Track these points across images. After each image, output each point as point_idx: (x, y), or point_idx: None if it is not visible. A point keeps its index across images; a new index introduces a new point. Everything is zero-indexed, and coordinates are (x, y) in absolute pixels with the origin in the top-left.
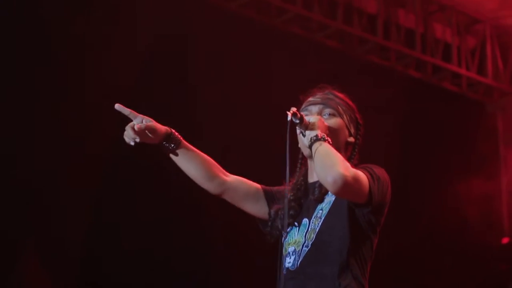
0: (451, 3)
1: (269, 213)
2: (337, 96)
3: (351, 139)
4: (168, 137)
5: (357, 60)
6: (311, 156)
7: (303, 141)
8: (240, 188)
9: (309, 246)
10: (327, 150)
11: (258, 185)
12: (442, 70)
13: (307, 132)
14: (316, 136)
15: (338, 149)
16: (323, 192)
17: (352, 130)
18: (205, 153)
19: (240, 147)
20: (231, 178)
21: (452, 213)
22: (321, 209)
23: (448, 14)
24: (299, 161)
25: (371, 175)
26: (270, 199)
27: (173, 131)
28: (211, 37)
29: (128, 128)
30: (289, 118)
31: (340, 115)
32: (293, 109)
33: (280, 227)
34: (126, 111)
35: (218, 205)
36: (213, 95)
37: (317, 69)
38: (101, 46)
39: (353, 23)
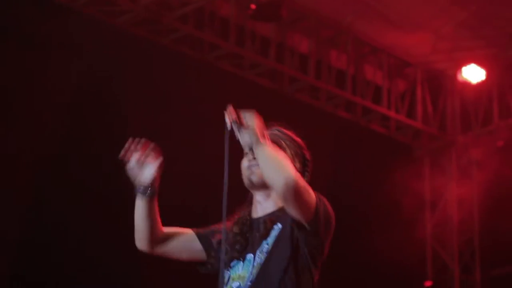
0: (383, 46)
1: (209, 249)
2: (282, 132)
3: None
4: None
5: (287, 99)
6: (253, 187)
7: (244, 137)
8: (176, 245)
9: (254, 280)
10: (273, 153)
11: (190, 231)
12: (372, 112)
13: (246, 132)
14: (257, 138)
15: None
16: (268, 227)
17: (297, 165)
18: None
19: (173, 182)
20: (166, 235)
21: (378, 257)
22: (267, 244)
23: (380, 56)
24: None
25: (318, 198)
26: (205, 242)
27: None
28: (142, 72)
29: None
30: (228, 126)
31: (283, 148)
32: (230, 108)
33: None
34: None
35: None
36: (143, 131)
37: (247, 106)
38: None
39: (284, 62)
